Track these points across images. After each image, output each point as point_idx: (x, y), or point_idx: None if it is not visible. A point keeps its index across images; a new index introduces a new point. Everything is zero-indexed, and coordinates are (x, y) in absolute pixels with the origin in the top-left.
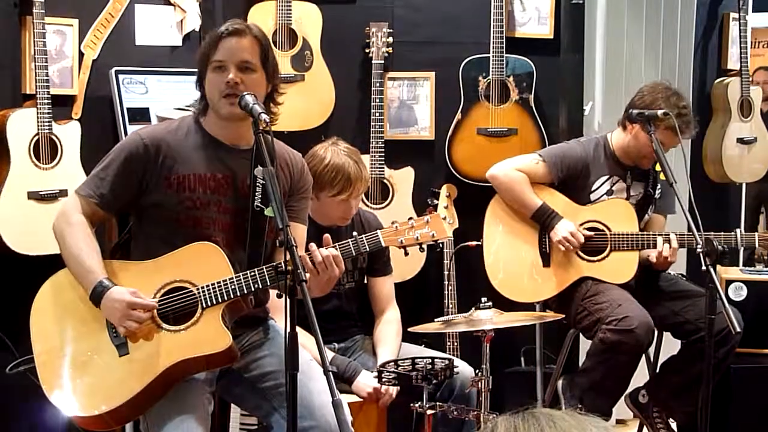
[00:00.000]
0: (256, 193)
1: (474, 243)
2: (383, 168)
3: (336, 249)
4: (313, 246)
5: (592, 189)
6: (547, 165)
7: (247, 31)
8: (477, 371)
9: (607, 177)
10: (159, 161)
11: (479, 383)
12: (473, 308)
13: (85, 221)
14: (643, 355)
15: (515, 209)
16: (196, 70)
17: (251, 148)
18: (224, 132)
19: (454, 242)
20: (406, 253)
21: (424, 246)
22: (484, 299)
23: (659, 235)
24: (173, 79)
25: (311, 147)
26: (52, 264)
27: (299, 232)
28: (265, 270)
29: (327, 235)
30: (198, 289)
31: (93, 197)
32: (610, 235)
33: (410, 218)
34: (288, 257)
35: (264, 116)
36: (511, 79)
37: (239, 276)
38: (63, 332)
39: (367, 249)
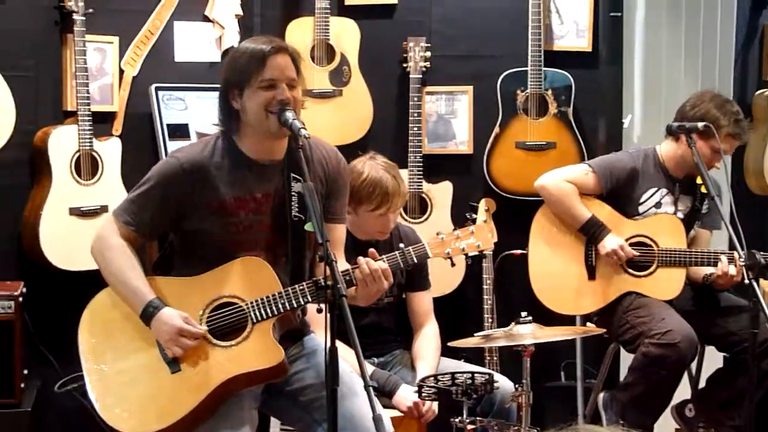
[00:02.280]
0: (293, 204)
1: (519, 251)
2: (421, 182)
3: (384, 262)
4: (361, 259)
5: (641, 201)
6: (596, 176)
7: (287, 48)
8: (517, 386)
9: (655, 189)
10: (199, 187)
11: (519, 398)
12: (513, 323)
13: (125, 243)
14: (686, 369)
15: (561, 220)
16: (221, 87)
17: (283, 159)
18: (260, 148)
19: (492, 258)
20: (453, 264)
21: (470, 256)
22: (523, 313)
23: (723, 253)
24: (212, 95)
25: (349, 162)
26: (94, 280)
27: (338, 232)
28: (306, 285)
29: (372, 249)
30: (247, 304)
31: (131, 224)
32: (658, 250)
33: (455, 229)
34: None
35: (304, 132)
36: (549, 92)
37: (287, 290)
38: (113, 349)
39: (415, 260)
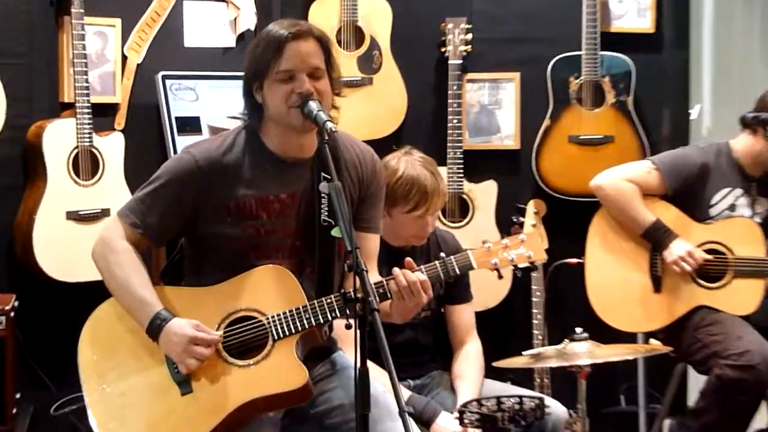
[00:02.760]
0: (322, 206)
1: (575, 260)
2: (462, 181)
3: (423, 273)
4: (396, 270)
5: (712, 202)
6: (661, 174)
7: (310, 32)
8: (571, 412)
9: (729, 189)
10: (216, 186)
11: (574, 425)
12: (566, 340)
13: (131, 248)
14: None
15: (622, 225)
16: (243, 77)
17: (313, 156)
18: (286, 145)
19: (544, 265)
20: (500, 276)
21: (520, 268)
22: (578, 329)
23: None
24: (226, 84)
25: (382, 158)
26: (95, 292)
27: (371, 243)
28: (334, 298)
29: (409, 259)
30: (268, 318)
31: (138, 227)
32: (732, 258)
33: (503, 237)
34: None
35: (329, 125)
36: (606, 79)
37: (313, 303)
38: (116, 367)
39: (457, 272)
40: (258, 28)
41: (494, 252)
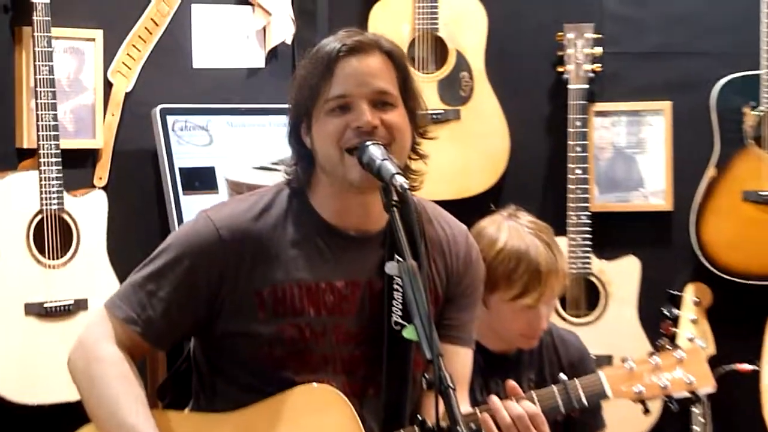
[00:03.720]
0: (394, 304)
1: (748, 366)
2: (589, 258)
3: (534, 403)
4: (494, 400)
5: None
6: None
7: (376, 44)
8: None
9: None
10: (245, 267)
11: None
12: None
13: (122, 354)
14: None
15: None
16: (286, 106)
17: (384, 230)
18: (345, 210)
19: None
20: (647, 411)
21: (676, 399)
22: None
23: None
24: (253, 121)
25: (476, 223)
26: (67, 417)
27: (460, 361)
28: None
29: (513, 384)
30: None
31: (135, 323)
32: None
33: (652, 353)
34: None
35: (399, 179)
36: None
37: None
38: None
39: (585, 402)
40: (298, 42)
41: (638, 375)
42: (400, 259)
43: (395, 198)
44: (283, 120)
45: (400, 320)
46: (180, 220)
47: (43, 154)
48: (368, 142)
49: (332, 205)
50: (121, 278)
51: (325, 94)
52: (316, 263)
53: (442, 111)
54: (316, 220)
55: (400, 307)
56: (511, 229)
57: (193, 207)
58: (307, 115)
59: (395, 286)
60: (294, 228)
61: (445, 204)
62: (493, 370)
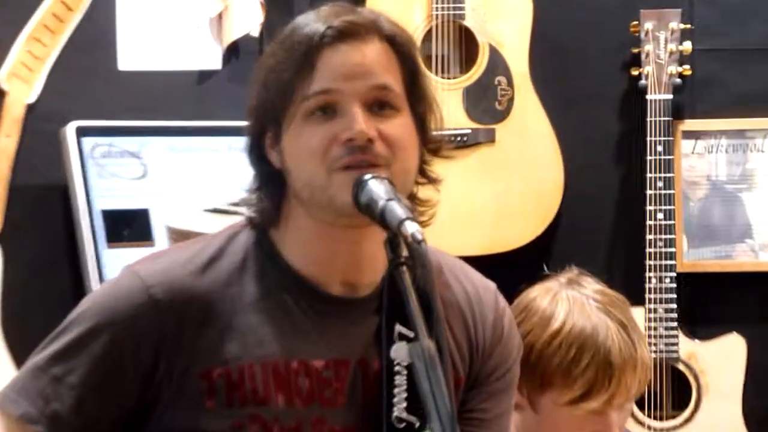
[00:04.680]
0: (395, 392)
1: None
2: (675, 337)
3: None
4: None
5: None
6: None
7: (374, 26)
8: None
9: None
10: (186, 339)
11: None
12: None
13: None
14: None
15: None
16: (246, 123)
17: (381, 287)
18: (328, 258)
19: None
20: None
21: None
22: None
23: None
24: (203, 145)
25: (519, 292)
26: None
27: None
28: None
29: None
30: None
31: (36, 421)
32: None
33: None
34: None
35: (411, 227)
36: None
37: None
38: None
39: None
40: (268, 34)
41: None
42: (410, 336)
43: (404, 253)
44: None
45: (404, 415)
46: (101, 281)
47: None
48: (367, 176)
49: (309, 251)
50: (19, 361)
51: (302, 91)
52: (285, 334)
53: (470, 131)
54: (285, 272)
55: (404, 395)
56: (572, 303)
57: (120, 263)
58: (275, 120)
59: (396, 368)
60: (255, 284)
61: (473, 261)
62: None
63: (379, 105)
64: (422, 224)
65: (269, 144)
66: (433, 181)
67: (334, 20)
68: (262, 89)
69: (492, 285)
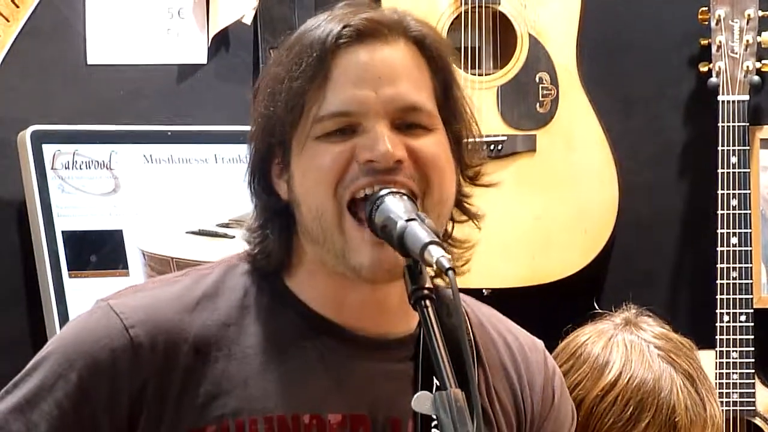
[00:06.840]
0: None
1: None
2: (752, 387)
3: None
4: None
5: None
6: None
7: (399, 27)
8: None
9: None
10: (174, 389)
11: None
12: None
13: None
14: None
15: None
16: (245, 127)
17: (415, 335)
18: (346, 306)
19: None
20: None
21: None
22: None
23: None
24: (185, 153)
25: (566, 334)
26: None
27: None
28: None
29: None
30: None
31: None
32: None
33: None
34: None
35: (436, 252)
36: None
37: None
38: None
39: None
40: (264, 22)
41: None
42: (440, 384)
43: (428, 285)
44: (240, 151)
45: None
46: (63, 317)
47: None
48: (384, 190)
49: (324, 293)
50: None
51: (315, 110)
52: (295, 382)
53: (505, 138)
54: (296, 309)
55: None
56: (629, 350)
57: (85, 296)
58: (282, 143)
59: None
60: (258, 325)
61: (510, 294)
62: None
63: (407, 125)
64: (456, 271)
65: (276, 173)
66: (473, 217)
67: (352, 18)
68: (267, 105)
69: (540, 343)
